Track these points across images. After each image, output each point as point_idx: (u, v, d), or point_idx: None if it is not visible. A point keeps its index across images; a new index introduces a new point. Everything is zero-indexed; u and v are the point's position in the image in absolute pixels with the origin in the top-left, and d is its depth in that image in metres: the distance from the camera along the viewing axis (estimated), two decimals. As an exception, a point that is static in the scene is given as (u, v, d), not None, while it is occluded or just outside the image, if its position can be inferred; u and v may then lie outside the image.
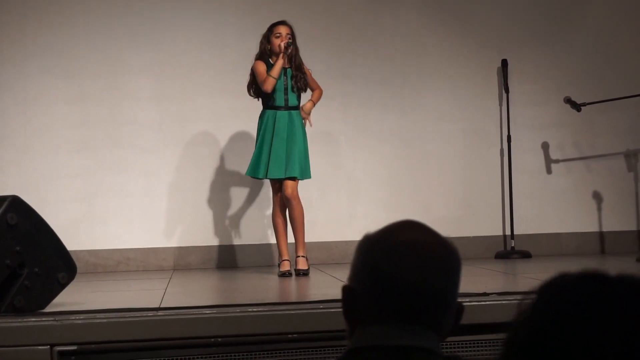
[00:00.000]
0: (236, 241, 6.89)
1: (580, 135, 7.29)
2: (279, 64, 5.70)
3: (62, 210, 6.52)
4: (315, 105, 5.94)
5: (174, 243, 6.83)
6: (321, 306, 3.83)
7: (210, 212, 6.90)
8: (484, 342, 3.80)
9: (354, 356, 1.51)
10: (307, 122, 5.89)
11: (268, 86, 5.72)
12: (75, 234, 6.48)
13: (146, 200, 6.82)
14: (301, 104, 5.88)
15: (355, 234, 7.02)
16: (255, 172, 5.78)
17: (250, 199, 6.94)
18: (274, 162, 5.70)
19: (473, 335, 3.77)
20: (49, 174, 6.73)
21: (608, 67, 7.30)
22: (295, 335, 3.75)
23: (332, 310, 3.78)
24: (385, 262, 1.52)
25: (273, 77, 5.70)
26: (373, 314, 1.52)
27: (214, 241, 6.87)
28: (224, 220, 6.91)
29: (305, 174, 5.82)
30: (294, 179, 5.73)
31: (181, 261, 6.81)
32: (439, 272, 1.53)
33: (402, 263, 1.52)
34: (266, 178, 5.82)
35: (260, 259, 6.79)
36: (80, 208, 6.73)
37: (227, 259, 6.85)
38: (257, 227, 6.91)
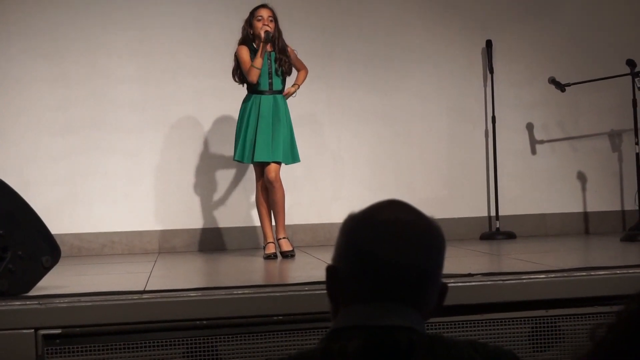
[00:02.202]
0: (221, 224, 6.87)
1: (564, 116, 7.30)
2: (262, 52, 5.66)
3: (45, 193, 6.48)
4: (300, 86, 5.92)
5: (158, 226, 6.80)
6: (306, 288, 3.82)
7: (195, 195, 6.87)
8: (468, 322, 3.80)
9: (337, 336, 1.51)
10: (290, 94, 5.83)
11: (253, 77, 5.71)
12: (59, 216, 6.45)
13: (130, 183, 6.79)
14: (286, 87, 5.85)
15: (339, 216, 6.96)
16: (242, 156, 5.75)
17: (234, 181, 6.92)
18: (260, 145, 5.67)
19: (458, 316, 3.78)
20: (31, 155, 6.68)
21: (592, 47, 7.31)
22: (280, 318, 3.74)
23: (318, 292, 3.78)
24: (368, 241, 1.51)
25: (257, 68, 5.68)
26: (356, 293, 1.52)
27: (198, 224, 6.85)
28: (209, 203, 6.89)
29: (293, 158, 5.81)
30: (277, 163, 5.71)
31: (166, 244, 6.78)
32: (422, 251, 1.52)
33: (385, 242, 1.51)
34: (252, 162, 5.78)
35: (246, 241, 6.78)
36: (63, 190, 6.69)
37: (212, 241, 6.83)
38: (241, 210, 6.89)
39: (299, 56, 5.93)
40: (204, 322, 3.69)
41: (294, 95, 5.89)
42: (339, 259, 1.56)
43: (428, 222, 1.56)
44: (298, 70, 5.95)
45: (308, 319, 3.75)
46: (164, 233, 6.80)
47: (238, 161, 5.87)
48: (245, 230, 6.82)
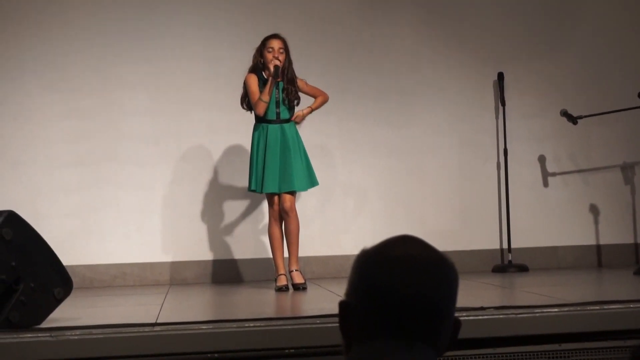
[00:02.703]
0: (232, 255, 6.87)
1: (576, 148, 7.29)
2: (270, 87, 5.70)
3: (57, 225, 6.50)
4: (313, 111, 5.92)
5: (170, 258, 6.81)
6: (318, 321, 3.81)
7: (206, 227, 6.88)
8: (481, 356, 3.78)
9: None
10: (299, 116, 5.86)
11: (260, 110, 5.75)
12: (71, 248, 6.46)
13: (142, 215, 6.81)
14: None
15: (351, 248, 7.01)
16: (256, 186, 5.76)
17: (246, 213, 6.93)
18: (269, 176, 5.69)
19: (470, 350, 3.76)
20: (45, 188, 6.71)
21: (604, 79, 7.32)
22: (292, 351, 3.73)
23: (329, 325, 3.77)
24: (381, 277, 1.51)
25: (264, 102, 5.72)
26: (369, 329, 1.51)
27: (210, 256, 6.85)
28: (220, 235, 6.89)
29: (311, 182, 5.83)
30: (292, 192, 5.73)
31: (177, 276, 6.79)
32: (436, 287, 1.51)
33: (398, 278, 1.50)
34: (262, 192, 5.80)
35: (257, 273, 6.77)
36: (76, 222, 6.71)
37: (224, 273, 6.83)
38: (253, 241, 6.89)
39: (310, 83, 5.94)
40: (216, 355, 3.69)
41: (301, 120, 5.87)
42: (352, 294, 1.56)
43: (441, 257, 1.56)
44: (315, 97, 5.95)
45: (320, 352, 3.74)
46: (175, 265, 6.81)
47: (253, 191, 5.88)
48: (257, 262, 6.82)
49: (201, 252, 6.83)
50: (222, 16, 6.97)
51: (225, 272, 6.83)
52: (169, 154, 6.87)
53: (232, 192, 6.91)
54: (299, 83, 5.86)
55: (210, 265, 6.84)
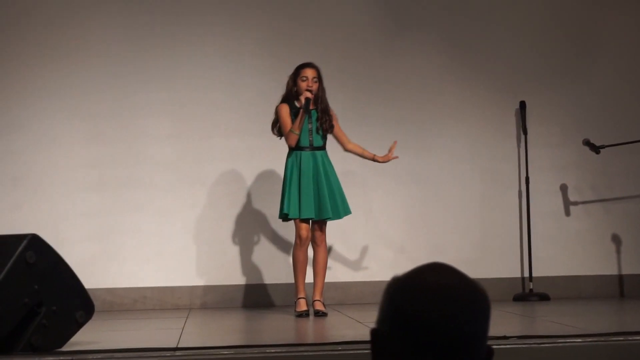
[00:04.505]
0: (253, 280, 6.87)
1: (598, 178, 7.26)
2: (301, 120, 5.72)
3: (78, 249, 6.52)
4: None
5: (190, 282, 6.81)
6: (340, 348, 3.80)
7: (227, 251, 6.89)
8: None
9: None
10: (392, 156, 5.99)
11: (291, 142, 5.80)
12: (92, 272, 6.47)
13: (162, 239, 6.82)
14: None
15: (371, 275, 7.01)
16: (289, 211, 5.74)
17: (266, 239, 6.93)
18: (305, 202, 5.71)
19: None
20: (66, 212, 6.74)
21: (627, 109, 7.29)
22: (313, 377, 3.71)
23: (351, 352, 3.75)
24: (413, 305, 1.50)
25: (295, 134, 5.74)
26: (401, 358, 1.50)
27: (230, 280, 6.85)
28: (241, 260, 6.90)
29: (345, 211, 5.86)
30: (324, 222, 5.75)
31: (197, 300, 6.79)
32: (469, 316, 1.50)
33: (430, 306, 1.49)
34: (299, 218, 5.77)
35: (277, 298, 6.77)
36: (96, 246, 6.73)
37: (244, 298, 6.82)
38: (273, 267, 6.88)
39: (332, 107, 5.97)
40: (237, 380, 3.68)
41: (393, 157, 6.02)
42: (383, 322, 1.55)
43: (474, 285, 1.55)
44: (343, 143, 6.00)
45: (341, 379, 3.72)
46: (196, 289, 6.81)
47: (285, 216, 5.83)
48: (278, 287, 6.81)
49: (221, 276, 6.83)
50: (244, 43, 7.00)
51: (246, 297, 6.83)
52: (190, 179, 6.89)
53: (253, 217, 6.91)
54: (333, 115, 5.89)
55: (231, 290, 6.83)
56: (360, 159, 6.89)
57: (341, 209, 5.86)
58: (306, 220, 5.78)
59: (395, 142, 6.02)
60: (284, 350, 3.77)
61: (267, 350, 3.77)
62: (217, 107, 6.95)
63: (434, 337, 1.47)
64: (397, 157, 6.03)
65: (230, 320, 5.93)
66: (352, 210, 6.76)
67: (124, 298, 6.72)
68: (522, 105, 7.14)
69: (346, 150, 6.09)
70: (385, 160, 6.02)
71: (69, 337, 4.08)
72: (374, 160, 6.06)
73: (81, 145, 6.80)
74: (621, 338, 3.95)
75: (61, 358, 3.67)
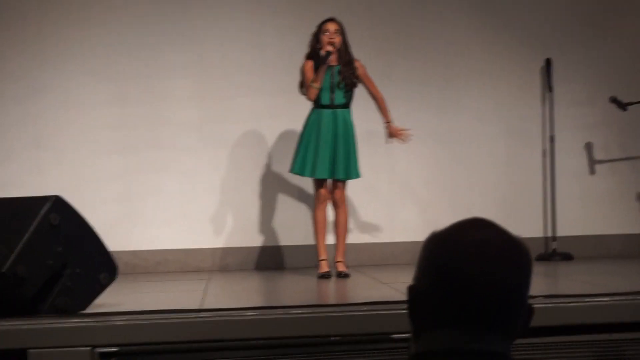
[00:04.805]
0: (275, 242, 6.85)
1: (625, 136, 7.15)
2: (321, 73, 5.66)
3: (101, 211, 6.50)
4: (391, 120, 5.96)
5: (212, 244, 6.80)
6: (365, 308, 3.77)
7: (249, 213, 6.86)
8: (529, 346, 3.71)
9: None
10: (403, 135, 5.92)
11: (310, 95, 5.75)
12: (115, 234, 6.44)
13: (185, 201, 6.80)
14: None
15: (395, 236, 6.97)
16: (302, 170, 5.74)
17: (289, 200, 6.90)
18: (320, 161, 5.67)
19: (517, 340, 3.69)
20: (89, 175, 6.73)
21: (655, 65, 7.17)
22: (338, 338, 3.69)
23: (376, 312, 3.73)
24: (453, 262, 1.46)
25: (315, 87, 5.69)
26: (440, 317, 1.46)
27: (252, 242, 6.83)
28: (263, 222, 6.87)
29: (350, 174, 5.77)
30: (343, 182, 5.70)
31: (219, 262, 6.78)
32: (511, 272, 1.46)
33: (472, 262, 1.45)
34: (312, 177, 5.76)
35: (300, 260, 6.74)
36: (119, 209, 6.73)
37: (266, 260, 6.81)
38: (296, 228, 6.85)
39: (368, 73, 5.91)
40: (261, 341, 3.66)
41: (402, 137, 5.97)
42: (421, 279, 1.51)
43: (515, 240, 1.50)
44: (371, 92, 5.91)
45: (366, 340, 3.71)
46: (218, 251, 6.80)
47: (296, 174, 5.85)
48: (300, 248, 6.79)
49: (244, 238, 6.82)
50: (266, 2, 6.92)
51: (268, 259, 6.81)
52: (212, 140, 6.85)
53: (276, 179, 6.88)
54: (358, 67, 5.81)
55: (253, 252, 6.82)
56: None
57: (354, 170, 5.79)
58: (324, 180, 5.74)
59: (410, 130, 5.93)
60: (308, 311, 3.75)
61: (292, 312, 3.75)
62: (240, 68, 6.89)
63: (474, 293, 1.43)
64: (405, 136, 5.91)
65: (252, 282, 5.93)
66: (376, 170, 6.74)
67: (147, 260, 6.73)
68: (548, 62, 7.03)
69: (372, 98, 5.99)
70: (394, 133, 5.92)
71: (92, 299, 4.07)
72: (386, 124, 5.96)
73: (103, 107, 6.77)
74: (649, 297, 3.89)
75: (85, 320, 3.67)
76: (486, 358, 1.42)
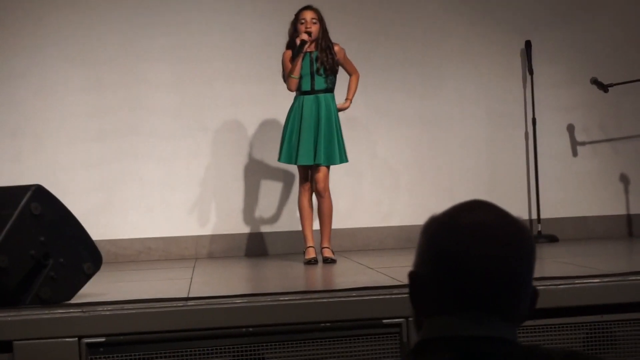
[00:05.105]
0: (259, 229, 6.80)
1: (606, 117, 7.16)
2: (298, 63, 5.61)
3: (80, 200, 6.42)
4: (352, 99, 5.86)
5: (195, 232, 6.73)
6: (354, 294, 3.73)
7: (232, 200, 6.80)
8: (521, 329, 3.68)
9: (426, 348, 1.41)
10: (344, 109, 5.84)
11: (290, 86, 5.72)
12: (95, 223, 6.36)
13: (166, 189, 6.73)
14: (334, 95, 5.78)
15: (378, 220, 6.93)
16: (288, 158, 5.68)
17: (271, 186, 6.84)
18: (304, 148, 5.61)
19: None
20: (67, 162, 6.64)
21: (635, 47, 7.17)
22: (328, 324, 3.65)
23: (365, 298, 3.70)
24: (453, 245, 1.42)
25: (294, 78, 5.64)
26: (443, 302, 1.42)
27: (236, 229, 6.77)
28: (246, 208, 6.82)
29: (332, 159, 5.71)
30: (324, 169, 5.65)
31: (203, 250, 6.72)
32: (513, 255, 1.42)
33: (473, 246, 1.41)
34: (296, 164, 5.72)
35: (284, 246, 6.69)
36: (98, 197, 6.64)
37: (250, 247, 6.76)
38: (279, 214, 6.81)
39: (347, 56, 5.86)
40: (250, 329, 3.62)
41: (347, 108, 5.83)
42: (422, 265, 1.47)
43: (516, 222, 1.46)
44: (348, 73, 5.86)
45: (356, 326, 3.67)
46: (201, 239, 6.74)
47: (285, 162, 5.79)
48: (284, 235, 6.74)
49: (227, 225, 6.76)
50: (244, -14, 6.85)
51: (252, 246, 6.76)
52: (191, 126, 6.78)
53: (257, 165, 6.82)
54: (337, 51, 5.75)
55: (237, 239, 6.76)
56: (364, 102, 6.79)
57: (337, 156, 5.73)
58: (305, 167, 5.70)
59: (348, 103, 5.87)
60: (297, 298, 3.71)
61: (280, 298, 3.71)
62: (219, 53, 6.81)
63: (475, 277, 1.40)
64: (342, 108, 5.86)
65: (237, 269, 5.87)
66: (357, 154, 6.68)
67: (128, 249, 6.65)
68: (528, 44, 7.01)
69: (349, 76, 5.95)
70: (341, 108, 5.86)
71: (77, 289, 4.00)
72: (345, 100, 5.89)
73: (81, 93, 6.68)
74: (639, 277, 3.88)
75: (71, 310, 3.60)
76: (491, 344, 1.39)
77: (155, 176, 6.72)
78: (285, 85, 5.80)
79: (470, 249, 1.41)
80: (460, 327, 1.40)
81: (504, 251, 1.42)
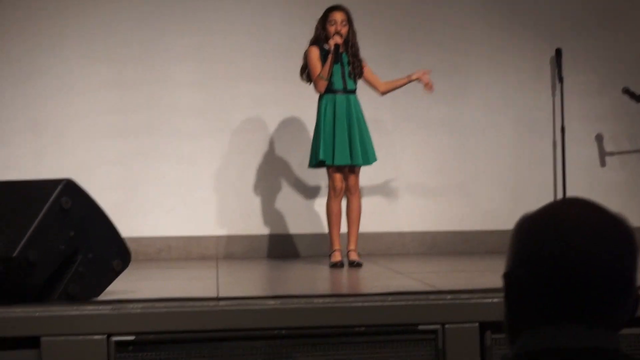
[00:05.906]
0: (281, 230, 6.72)
1: (636, 128, 7.06)
2: (331, 65, 5.54)
3: (102, 197, 6.21)
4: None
5: (216, 232, 6.66)
6: (390, 299, 3.65)
7: (253, 201, 6.73)
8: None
9: None
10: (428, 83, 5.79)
11: (320, 88, 5.64)
12: (116, 221, 6.23)
13: (188, 188, 6.66)
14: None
15: (403, 225, 6.85)
16: (325, 156, 5.52)
17: (293, 188, 6.77)
18: (339, 148, 5.51)
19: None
20: (89, 160, 6.57)
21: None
22: (362, 329, 3.57)
23: (402, 303, 3.61)
24: (555, 243, 1.32)
25: (324, 79, 5.55)
26: (545, 308, 1.33)
27: (257, 230, 6.70)
28: (267, 209, 6.74)
29: (372, 158, 5.64)
30: (358, 169, 5.57)
31: (223, 250, 6.64)
32: (617, 255, 1.33)
33: (569, 245, 1.32)
34: (333, 165, 5.58)
35: (306, 248, 6.61)
36: (120, 195, 6.57)
37: (271, 248, 6.67)
38: (300, 217, 6.74)
39: (362, 56, 5.79)
40: (283, 331, 3.54)
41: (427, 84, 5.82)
42: (518, 266, 1.37)
43: (617, 220, 1.37)
44: (376, 86, 5.80)
45: (390, 331, 3.59)
46: (222, 239, 6.66)
47: (320, 163, 5.62)
48: (303, 237, 6.67)
49: (248, 226, 6.68)
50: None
51: (273, 247, 6.68)
52: (215, 126, 6.71)
53: (280, 165, 6.75)
54: (364, 68, 5.69)
55: (256, 240, 6.68)
56: (392, 106, 6.71)
57: (370, 155, 5.66)
58: (340, 170, 5.60)
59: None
60: (331, 301, 3.62)
61: (314, 301, 3.62)
62: (243, 52, 6.75)
63: (579, 277, 1.30)
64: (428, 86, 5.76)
65: (261, 270, 5.80)
66: (382, 159, 6.60)
67: (149, 247, 6.58)
68: (558, 52, 6.92)
69: (382, 93, 5.88)
70: (420, 75, 5.75)
71: (105, 285, 3.93)
72: (410, 81, 5.81)
73: (104, 91, 6.62)
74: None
75: (101, 307, 3.52)
76: (595, 356, 1.29)
77: (177, 175, 6.66)
78: (306, 84, 5.70)
79: (568, 248, 1.31)
80: (566, 338, 1.31)
81: (609, 250, 1.32)
